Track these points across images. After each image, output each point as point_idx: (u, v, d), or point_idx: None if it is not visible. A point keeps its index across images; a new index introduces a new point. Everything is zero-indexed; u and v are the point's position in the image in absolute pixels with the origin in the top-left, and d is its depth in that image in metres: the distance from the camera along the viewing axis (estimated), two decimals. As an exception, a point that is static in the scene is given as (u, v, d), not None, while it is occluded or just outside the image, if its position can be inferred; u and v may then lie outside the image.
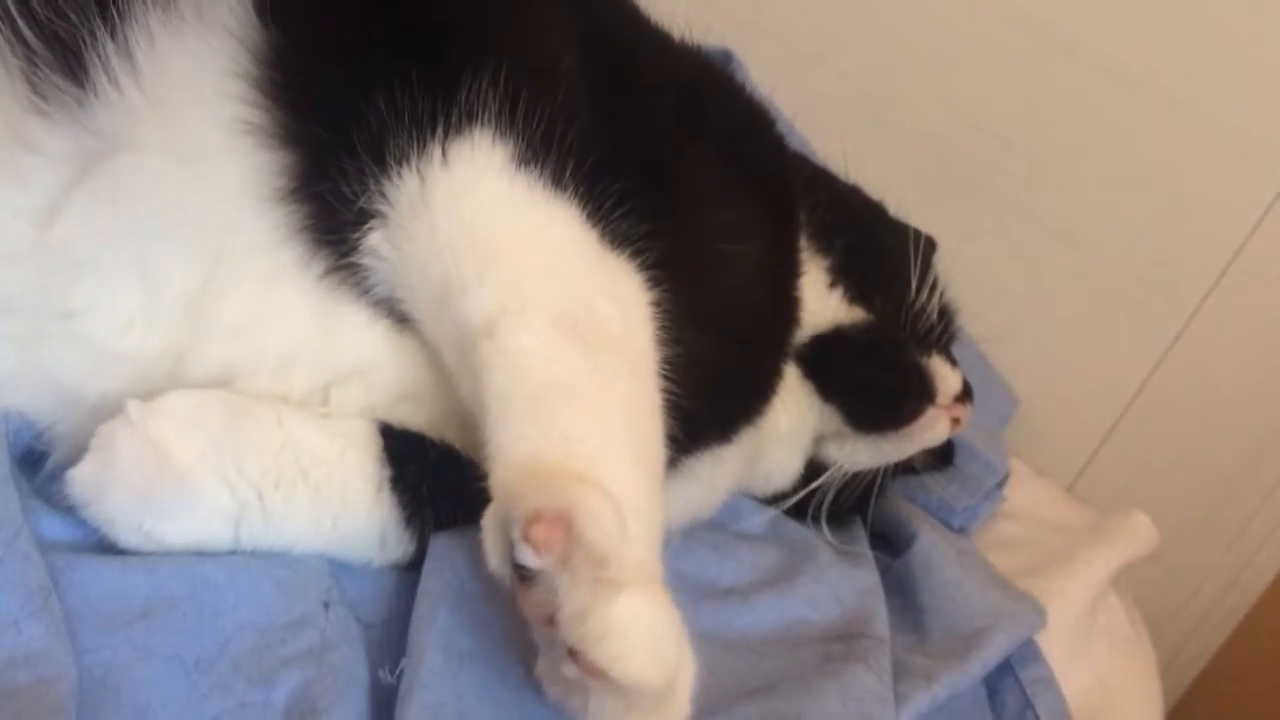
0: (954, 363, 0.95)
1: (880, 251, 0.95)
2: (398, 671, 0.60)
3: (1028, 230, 1.36)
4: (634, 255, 0.67)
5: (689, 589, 0.80)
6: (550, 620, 0.50)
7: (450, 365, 0.65)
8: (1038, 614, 0.92)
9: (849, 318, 0.91)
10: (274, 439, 0.67)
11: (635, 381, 0.62)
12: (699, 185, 0.77)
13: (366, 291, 0.68)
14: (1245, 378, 1.34)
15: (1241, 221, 1.28)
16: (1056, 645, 0.94)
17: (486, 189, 0.63)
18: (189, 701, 0.55)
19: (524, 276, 0.62)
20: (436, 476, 0.72)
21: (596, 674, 0.49)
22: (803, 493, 0.93)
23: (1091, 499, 1.34)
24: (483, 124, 0.64)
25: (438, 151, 0.63)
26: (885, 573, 0.93)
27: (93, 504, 0.62)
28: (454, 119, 0.63)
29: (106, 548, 0.63)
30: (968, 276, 1.05)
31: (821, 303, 0.90)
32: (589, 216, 0.65)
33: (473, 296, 0.60)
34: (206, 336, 0.67)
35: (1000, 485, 1.12)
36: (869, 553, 0.94)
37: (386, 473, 0.70)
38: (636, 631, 0.49)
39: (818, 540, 0.93)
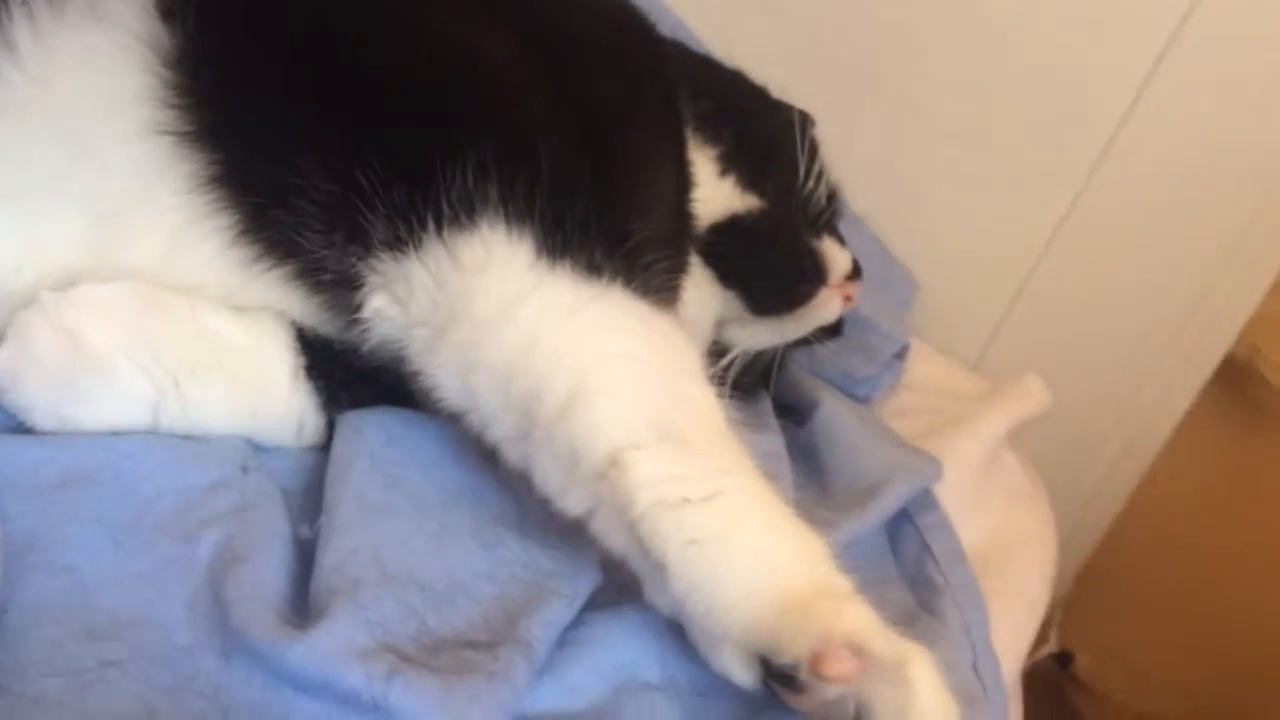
0: (843, 242, 0.98)
1: (768, 138, 0.97)
2: (316, 527, 0.63)
3: (913, 117, 1.39)
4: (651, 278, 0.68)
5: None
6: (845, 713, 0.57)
7: (529, 452, 0.64)
8: (933, 466, 0.97)
9: (743, 205, 0.93)
10: (188, 328, 0.69)
11: (735, 446, 0.65)
12: (638, 152, 0.80)
13: (307, 282, 0.69)
14: (1132, 249, 1.39)
15: (1120, 95, 1.32)
16: (954, 497, 0.99)
17: (536, 300, 0.63)
18: (114, 559, 0.58)
19: (620, 395, 0.62)
20: (347, 364, 0.74)
21: None
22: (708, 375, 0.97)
23: (995, 375, 1.40)
24: (488, 216, 0.63)
25: (438, 246, 0.63)
26: (791, 440, 0.98)
27: (9, 391, 0.64)
28: (447, 209, 0.63)
29: (22, 430, 0.65)
30: (858, 166, 1.08)
31: (714, 192, 0.92)
32: (628, 285, 0.66)
33: (583, 428, 0.60)
34: (104, 273, 0.68)
35: (900, 356, 1.17)
36: (774, 422, 0.99)
37: (301, 361, 0.72)
38: (939, 695, 0.56)
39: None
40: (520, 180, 0.64)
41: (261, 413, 0.72)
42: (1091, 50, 1.33)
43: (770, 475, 0.88)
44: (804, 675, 0.56)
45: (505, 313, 0.63)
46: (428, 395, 0.68)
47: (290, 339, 0.73)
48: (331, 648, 0.53)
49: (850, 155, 1.06)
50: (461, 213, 0.63)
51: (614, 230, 0.68)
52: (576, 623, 0.64)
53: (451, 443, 0.74)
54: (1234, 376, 1.45)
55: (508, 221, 0.64)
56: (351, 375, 0.74)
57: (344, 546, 0.61)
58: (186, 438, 0.68)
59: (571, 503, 0.64)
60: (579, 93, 0.75)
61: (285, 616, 0.57)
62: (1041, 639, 1.55)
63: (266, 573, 0.59)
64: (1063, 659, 1.58)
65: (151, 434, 0.66)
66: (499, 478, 0.73)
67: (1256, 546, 1.45)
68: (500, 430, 0.65)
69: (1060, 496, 1.31)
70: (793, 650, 0.56)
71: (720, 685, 0.64)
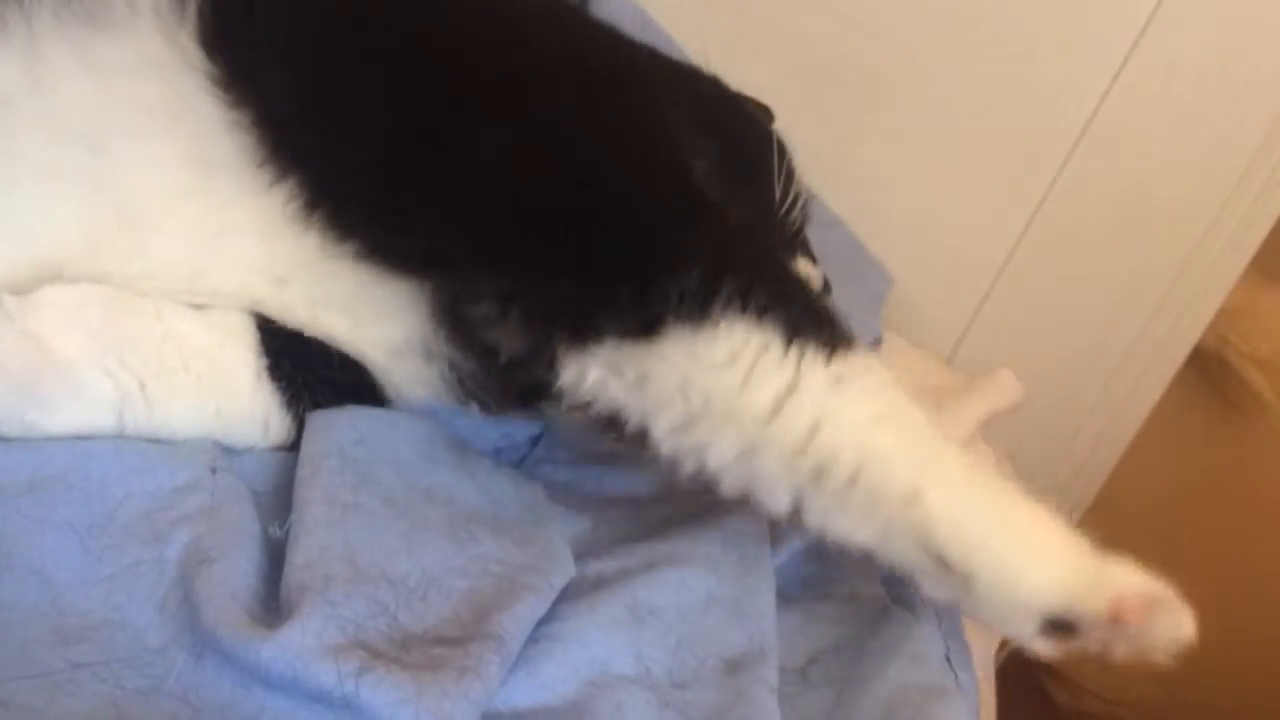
0: (814, 260, 1.00)
1: (748, 155, 0.97)
2: (286, 526, 0.63)
3: (888, 115, 1.41)
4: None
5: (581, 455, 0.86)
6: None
7: (805, 505, 0.69)
8: (908, 459, 0.98)
9: None
10: (154, 331, 0.69)
11: (970, 455, 0.71)
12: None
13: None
14: (1103, 243, 1.41)
15: (1090, 91, 1.35)
16: (928, 489, 1.00)
17: (805, 388, 0.67)
18: (84, 564, 0.58)
19: (899, 451, 0.67)
20: (310, 366, 0.75)
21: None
22: None
23: (969, 369, 1.41)
24: (725, 315, 0.67)
25: (676, 344, 0.67)
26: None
27: None
28: (677, 305, 0.66)
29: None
30: (833, 161, 1.09)
31: None
32: (847, 342, 0.70)
33: (874, 489, 0.66)
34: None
35: (873, 347, 1.18)
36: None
37: (264, 362, 0.73)
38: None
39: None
40: (746, 276, 0.68)
41: (227, 413, 0.72)
42: (1061, 47, 1.34)
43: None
44: (1097, 625, 0.64)
45: (781, 405, 0.67)
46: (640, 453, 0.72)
47: (254, 341, 0.73)
48: (302, 645, 0.53)
49: (825, 154, 1.07)
50: (696, 311, 0.67)
51: (812, 295, 0.72)
52: (549, 617, 0.64)
53: (423, 441, 0.74)
54: (1204, 367, 1.46)
55: (747, 316, 0.67)
56: (312, 378, 0.75)
57: (314, 544, 0.61)
58: (154, 440, 0.67)
59: (861, 538, 0.69)
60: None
61: (256, 615, 0.57)
62: (1017, 629, 1.56)
63: (237, 572, 0.59)
64: (1039, 648, 1.59)
65: (119, 437, 0.66)
66: (471, 476, 0.74)
67: (1228, 534, 1.47)
68: (781, 486, 0.69)
69: (1034, 487, 1.32)
70: (1092, 604, 0.64)
71: (697, 677, 0.65)
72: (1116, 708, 1.54)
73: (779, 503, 0.70)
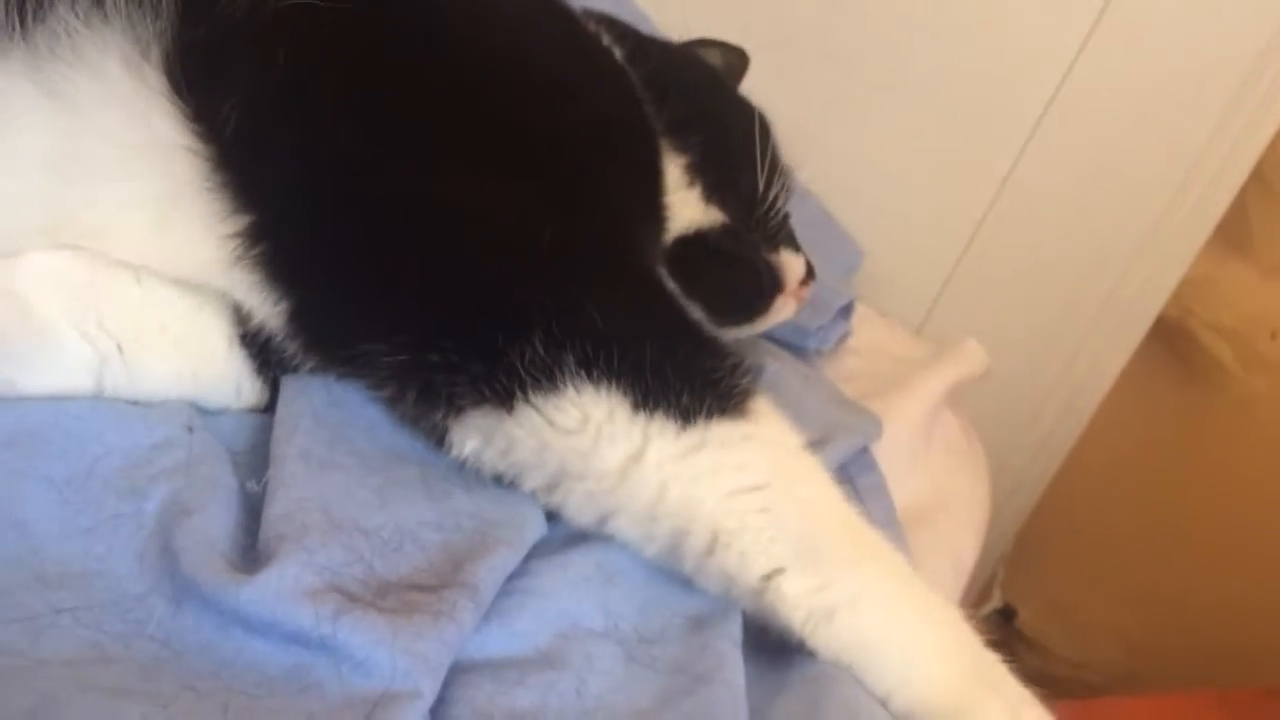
0: (797, 247, 1.01)
1: (733, 149, 0.98)
2: (263, 482, 0.64)
3: (857, 89, 1.43)
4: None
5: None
6: None
7: (678, 566, 0.70)
8: (873, 425, 1.00)
9: (706, 219, 0.94)
10: (133, 295, 0.70)
11: (863, 532, 0.70)
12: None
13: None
14: (1067, 214, 1.44)
15: (1055, 65, 1.37)
16: (896, 454, 1.02)
17: (652, 454, 0.66)
18: (63, 515, 0.59)
19: (754, 528, 0.66)
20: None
21: None
22: None
23: (938, 339, 1.43)
24: (571, 380, 0.66)
25: (529, 410, 0.66)
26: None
27: None
28: (529, 378, 0.66)
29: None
30: (803, 134, 1.10)
31: (681, 202, 0.93)
32: (716, 408, 0.68)
33: (729, 564, 0.67)
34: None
35: (845, 314, 1.20)
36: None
37: (236, 330, 0.74)
38: None
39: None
40: (591, 342, 0.67)
41: (203, 376, 0.73)
42: (1027, 21, 1.36)
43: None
44: None
45: (626, 470, 0.67)
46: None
47: (228, 307, 0.74)
48: (280, 588, 0.55)
49: (796, 127, 1.08)
50: (543, 379, 0.66)
51: (683, 358, 0.70)
52: (522, 572, 0.66)
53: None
54: (1167, 336, 1.49)
55: (594, 383, 0.66)
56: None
57: (291, 497, 0.62)
58: (131, 401, 0.69)
59: (741, 605, 0.69)
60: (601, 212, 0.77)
61: (235, 564, 0.58)
62: (985, 595, 1.59)
63: (215, 523, 0.60)
64: (1006, 614, 1.63)
65: (98, 397, 0.67)
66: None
67: (1191, 499, 1.50)
68: (648, 550, 0.70)
69: (1001, 456, 1.35)
70: None
71: (663, 634, 0.67)
72: (1083, 670, 1.57)
73: (654, 558, 0.70)
